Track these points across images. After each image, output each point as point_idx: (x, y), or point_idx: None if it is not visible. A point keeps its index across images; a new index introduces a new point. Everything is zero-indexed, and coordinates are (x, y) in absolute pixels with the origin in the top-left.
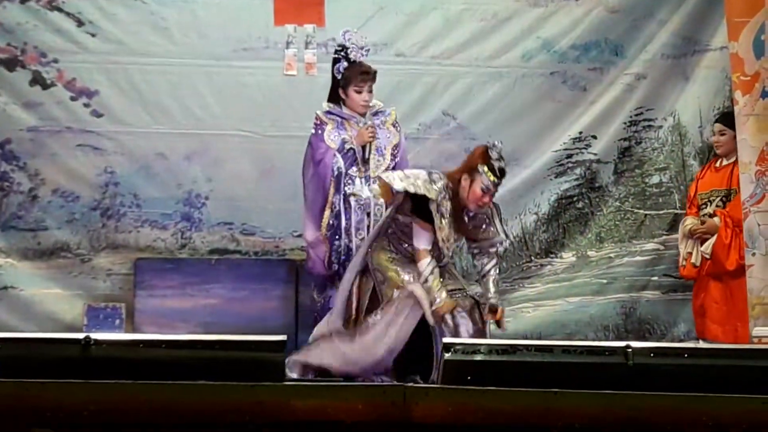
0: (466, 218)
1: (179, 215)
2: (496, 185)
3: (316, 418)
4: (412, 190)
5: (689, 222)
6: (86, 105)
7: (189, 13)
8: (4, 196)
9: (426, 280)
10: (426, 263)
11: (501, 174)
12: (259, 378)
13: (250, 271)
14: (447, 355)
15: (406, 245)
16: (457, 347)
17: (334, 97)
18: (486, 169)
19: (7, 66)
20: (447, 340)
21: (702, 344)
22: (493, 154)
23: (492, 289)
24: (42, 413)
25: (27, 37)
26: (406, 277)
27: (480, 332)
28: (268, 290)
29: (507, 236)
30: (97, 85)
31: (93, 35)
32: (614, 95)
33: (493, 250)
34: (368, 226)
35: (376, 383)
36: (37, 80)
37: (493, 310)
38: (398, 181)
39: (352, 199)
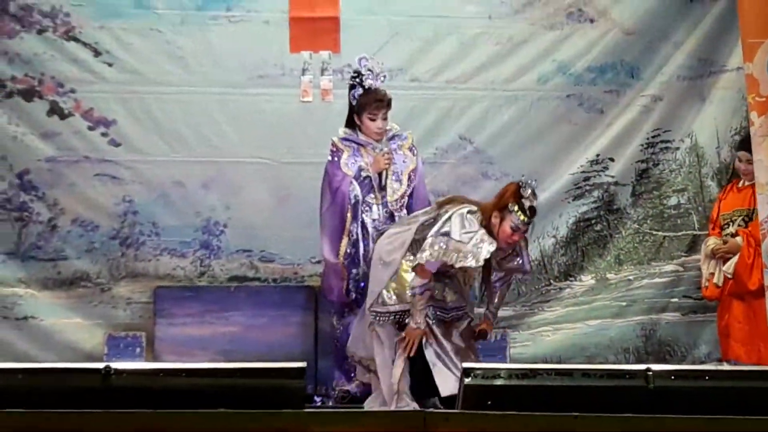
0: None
1: (198, 243)
2: (526, 224)
3: None
4: (450, 263)
5: (712, 242)
6: (104, 134)
7: (204, 42)
8: (23, 226)
9: (413, 295)
10: (420, 282)
11: (532, 213)
12: (280, 405)
13: (269, 298)
14: (467, 380)
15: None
16: (477, 372)
17: (350, 123)
18: (517, 208)
19: (25, 96)
20: (467, 365)
21: (723, 366)
22: (525, 193)
23: (496, 301)
24: None
25: (44, 68)
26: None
27: (467, 353)
28: (288, 317)
29: (531, 269)
30: (114, 114)
31: (110, 65)
32: (631, 117)
33: (515, 278)
34: None
35: (396, 409)
36: (55, 110)
37: (487, 319)
38: (431, 253)
39: (369, 226)
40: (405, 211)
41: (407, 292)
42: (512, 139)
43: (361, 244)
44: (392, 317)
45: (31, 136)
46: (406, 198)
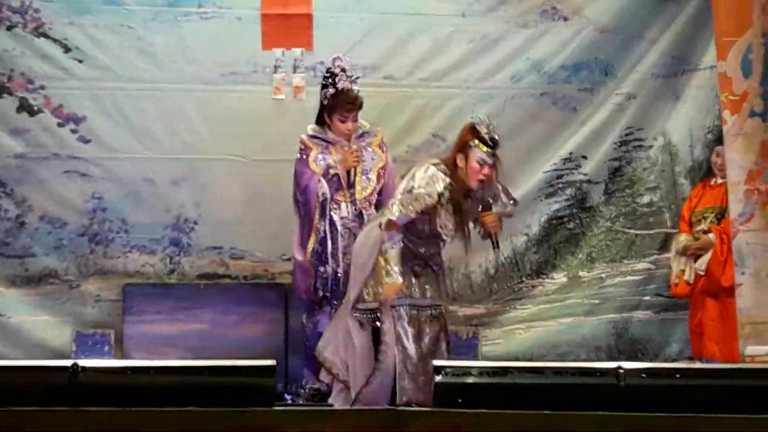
0: (470, 201)
1: (168, 240)
2: (492, 155)
3: None
4: (415, 212)
5: (683, 239)
6: (74, 131)
7: (176, 38)
8: None
9: (386, 251)
10: (390, 234)
11: (494, 143)
12: (250, 403)
13: (240, 296)
14: (438, 378)
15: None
16: (448, 370)
17: (320, 120)
18: (477, 141)
19: None
20: (437, 362)
21: (695, 364)
22: (482, 128)
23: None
24: None
25: (13, 64)
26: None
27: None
28: (258, 314)
29: (516, 202)
30: (85, 111)
31: (80, 61)
32: (604, 115)
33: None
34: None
35: (367, 408)
36: (24, 107)
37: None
38: (399, 209)
39: (338, 224)
40: (373, 209)
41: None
42: None
43: (329, 242)
44: (372, 315)
45: (0, 132)
46: (376, 195)
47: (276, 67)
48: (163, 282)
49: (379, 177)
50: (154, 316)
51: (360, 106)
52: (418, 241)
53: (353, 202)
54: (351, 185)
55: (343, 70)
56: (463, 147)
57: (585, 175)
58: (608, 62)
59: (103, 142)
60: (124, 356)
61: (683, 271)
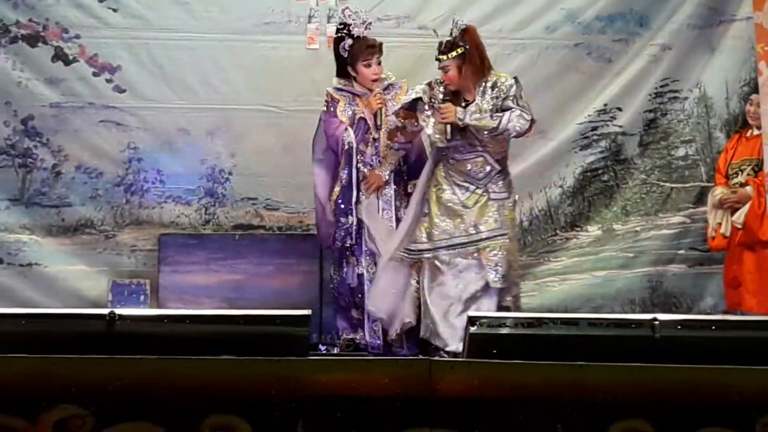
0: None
1: (203, 191)
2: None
3: (341, 393)
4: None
5: (719, 192)
6: (108, 81)
7: None
8: (27, 172)
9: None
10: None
11: (441, 48)
12: (284, 353)
13: (274, 247)
14: (472, 329)
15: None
16: (483, 321)
17: (343, 74)
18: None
19: (29, 42)
20: (472, 313)
21: (730, 316)
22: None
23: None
24: (67, 389)
25: (48, 13)
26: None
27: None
28: (292, 265)
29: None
30: (119, 60)
31: (114, 10)
32: (639, 67)
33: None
34: (378, 206)
35: (401, 357)
36: (59, 56)
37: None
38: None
39: (363, 173)
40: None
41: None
42: None
43: (354, 191)
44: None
45: (35, 81)
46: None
47: (310, 17)
48: (198, 232)
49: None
50: (189, 266)
51: (380, 49)
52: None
53: (377, 154)
54: (378, 128)
55: (356, 18)
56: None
57: (620, 127)
58: (643, 13)
59: (137, 92)
60: (159, 306)
61: (720, 224)
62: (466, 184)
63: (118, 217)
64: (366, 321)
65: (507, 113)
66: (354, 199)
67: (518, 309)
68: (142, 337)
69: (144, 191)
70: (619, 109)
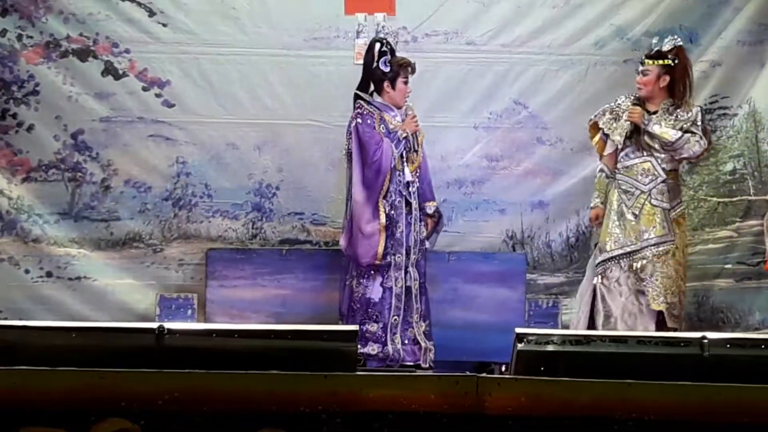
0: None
1: (250, 205)
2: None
3: (389, 409)
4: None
5: None
6: (158, 95)
7: (259, 3)
8: (77, 186)
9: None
10: None
11: (650, 53)
12: (332, 368)
13: (321, 261)
14: (520, 346)
15: None
16: (530, 337)
17: (364, 88)
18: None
19: (80, 56)
20: (519, 330)
21: None
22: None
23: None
24: (117, 402)
25: (99, 28)
26: None
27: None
28: (339, 280)
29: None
30: (169, 75)
31: (164, 25)
32: None
33: None
34: (408, 216)
35: (449, 374)
36: (110, 70)
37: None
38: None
39: (402, 190)
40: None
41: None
42: (567, 105)
43: (396, 207)
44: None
45: (85, 96)
46: (418, 169)
47: (358, 32)
48: (245, 247)
49: (422, 151)
50: (236, 281)
51: (414, 70)
52: None
53: (417, 171)
54: (415, 150)
55: (390, 36)
56: None
57: None
58: (693, 29)
59: (186, 107)
60: (206, 320)
61: None
62: (632, 190)
63: (166, 231)
64: (389, 334)
65: (687, 135)
66: (395, 213)
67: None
68: (191, 351)
69: (192, 205)
70: None
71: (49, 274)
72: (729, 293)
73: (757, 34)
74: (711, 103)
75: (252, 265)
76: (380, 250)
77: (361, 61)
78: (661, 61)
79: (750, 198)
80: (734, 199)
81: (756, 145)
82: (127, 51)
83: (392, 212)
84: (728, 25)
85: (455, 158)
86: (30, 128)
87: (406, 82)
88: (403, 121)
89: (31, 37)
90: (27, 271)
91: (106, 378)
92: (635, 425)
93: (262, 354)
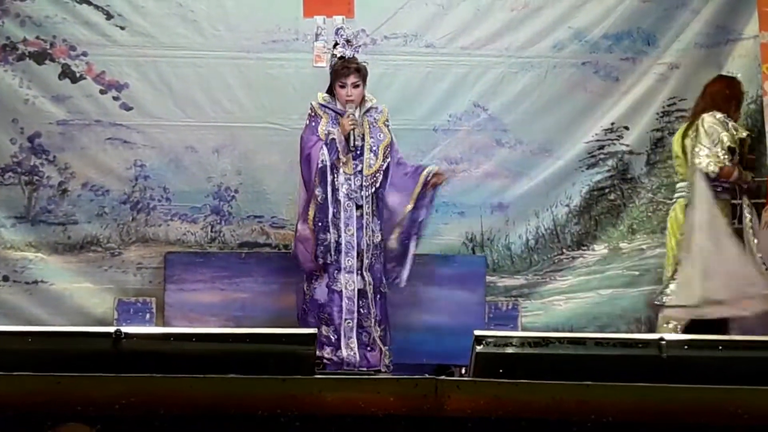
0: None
1: (209, 208)
2: None
3: (348, 412)
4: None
5: None
6: (116, 98)
7: (218, 6)
8: (33, 190)
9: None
10: None
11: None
12: (290, 371)
13: (280, 265)
14: (479, 348)
15: None
16: (489, 340)
17: (330, 91)
18: None
19: (37, 59)
20: (478, 332)
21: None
22: None
23: None
24: (73, 407)
25: (56, 30)
26: None
27: None
28: (298, 284)
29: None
30: (127, 78)
31: (122, 28)
32: (647, 85)
33: None
34: (360, 220)
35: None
36: (67, 73)
37: None
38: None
39: (341, 193)
40: (376, 186)
41: None
42: (527, 107)
43: (330, 209)
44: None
45: (42, 99)
46: (381, 173)
47: (317, 35)
48: (204, 250)
49: (384, 155)
50: (195, 284)
51: (358, 71)
52: None
53: (357, 175)
54: (349, 151)
55: (347, 39)
56: None
57: (627, 145)
58: (651, 32)
59: (144, 110)
60: (165, 324)
61: None
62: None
63: (124, 234)
64: (342, 338)
65: None
66: (331, 216)
67: None
68: (149, 356)
69: (150, 209)
70: (626, 128)
71: (5, 278)
72: None
73: (715, 37)
74: (669, 105)
75: (211, 268)
76: (312, 252)
77: (321, 64)
78: None
79: None
80: None
81: None
82: (84, 54)
83: (339, 214)
84: (686, 28)
85: (415, 161)
86: None
87: (341, 86)
88: None
89: None
90: None
91: (62, 383)
92: (594, 426)
93: (220, 358)
